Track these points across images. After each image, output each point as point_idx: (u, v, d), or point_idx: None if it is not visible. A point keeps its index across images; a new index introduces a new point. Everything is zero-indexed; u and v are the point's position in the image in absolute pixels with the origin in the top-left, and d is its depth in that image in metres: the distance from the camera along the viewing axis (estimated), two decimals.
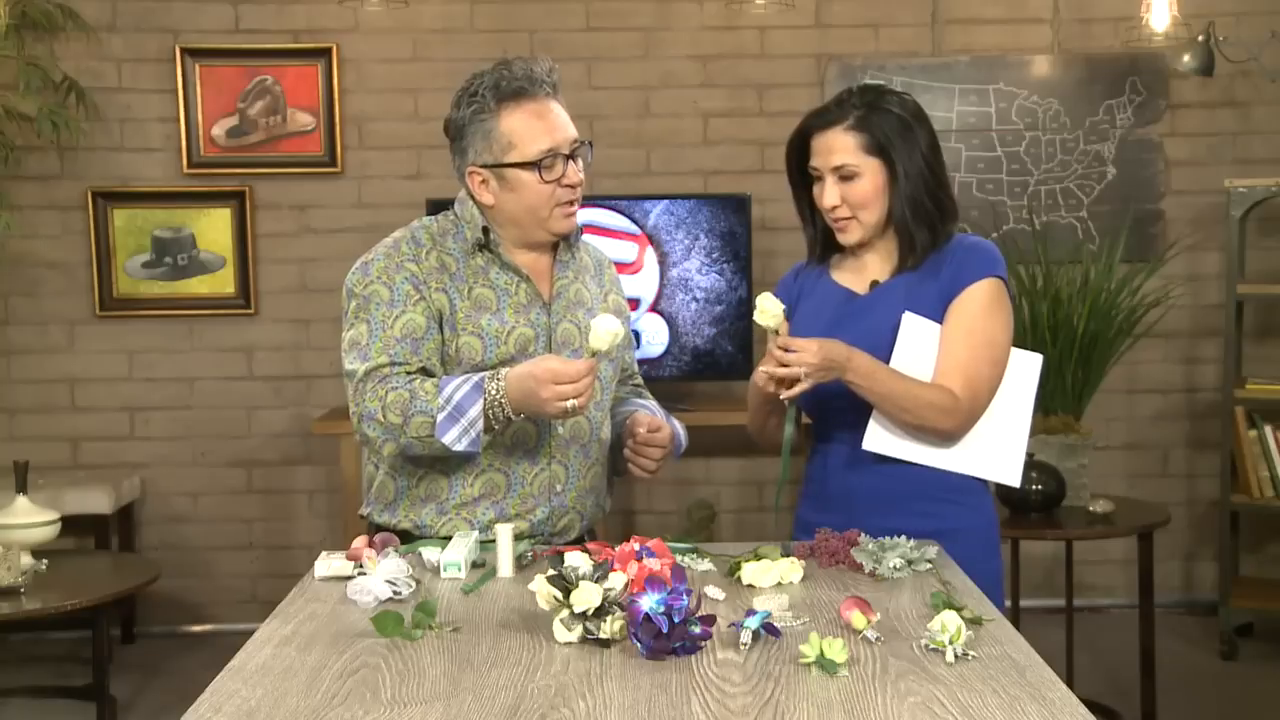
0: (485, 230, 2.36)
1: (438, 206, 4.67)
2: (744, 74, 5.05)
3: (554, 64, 2.35)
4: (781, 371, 2.18)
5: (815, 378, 2.18)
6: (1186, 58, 4.65)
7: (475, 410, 2.19)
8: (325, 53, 4.97)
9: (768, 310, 2.20)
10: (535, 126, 2.30)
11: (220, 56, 4.95)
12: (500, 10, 5.00)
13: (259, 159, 4.99)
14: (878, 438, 2.31)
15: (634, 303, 4.77)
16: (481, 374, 2.23)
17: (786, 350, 2.18)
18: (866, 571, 2.10)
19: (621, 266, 4.65)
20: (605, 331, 2.16)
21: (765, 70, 5.05)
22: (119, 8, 4.94)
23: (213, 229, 5.00)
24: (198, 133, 4.96)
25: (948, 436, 2.30)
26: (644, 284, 4.80)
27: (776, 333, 2.20)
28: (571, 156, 2.33)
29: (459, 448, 2.20)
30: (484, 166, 2.33)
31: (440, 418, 2.20)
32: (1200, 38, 4.62)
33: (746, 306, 4.79)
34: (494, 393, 2.20)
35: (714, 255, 4.80)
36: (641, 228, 4.79)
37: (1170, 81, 5.04)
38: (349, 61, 4.99)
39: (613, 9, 5.03)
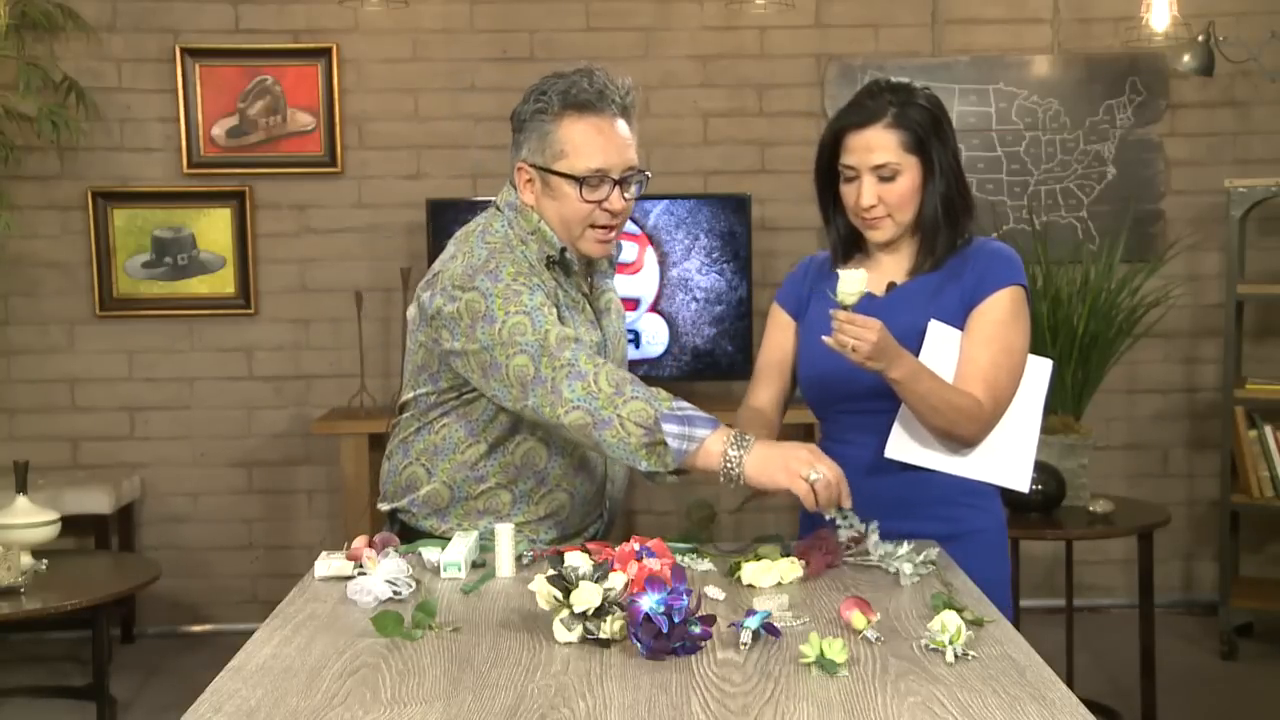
0: (564, 250, 2.29)
1: (438, 206, 4.73)
2: (744, 74, 5.05)
3: (634, 86, 2.28)
4: (841, 342, 2.11)
5: (857, 359, 2.13)
6: (1186, 58, 4.65)
7: (702, 433, 2.05)
8: (325, 53, 4.97)
9: (853, 289, 2.13)
10: (592, 142, 2.23)
11: (220, 56, 4.95)
12: (500, 10, 5.00)
13: (259, 159, 4.99)
14: (900, 446, 2.31)
15: (634, 303, 4.77)
16: (718, 420, 2.10)
17: (851, 323, 2.10)
18: (843, 540, 2.12)
19: (621, 266, 4.66)
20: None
21: (765, 70, 5.05)
22: (119, 8, 4.94)
23: (213, 229, 5.00)
24: (198, 133, 4.96)
25: (968, 442, 2.30)
26: (644, 284, 4.80)
27: (844, 306, 2.13)
28: (622, 182, 2.27)
29: (674, 444, 2.03)
30: (533, 166, 2.28)
31: (667, 412, 2.06)
32: (1200, 38, 4.62)
33: (746, 306, 4.79)
34: (735, 452, 2.04)
35: (714, 255, 4.80)
36: (641, 228, 4.79)
37: (1170, 81, 5.04)
38: (349, 61, 4.99)
39: (613, 9, 5.03)
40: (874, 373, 2.17)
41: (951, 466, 2.32)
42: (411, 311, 2.36)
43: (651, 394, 2.10)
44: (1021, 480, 2.34)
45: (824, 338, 2.14)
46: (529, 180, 2.30)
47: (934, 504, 2.33)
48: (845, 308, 2.14)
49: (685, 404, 2.11)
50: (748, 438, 2.07)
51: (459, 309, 2.20)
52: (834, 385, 2.32)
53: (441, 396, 2.33)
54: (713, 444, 2.05)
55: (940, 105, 2.35)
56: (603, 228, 2.29)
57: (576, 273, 2.34)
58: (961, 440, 2.30)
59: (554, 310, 2.21)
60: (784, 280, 2.55)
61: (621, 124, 2.27)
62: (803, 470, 2.04)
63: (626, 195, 2.29)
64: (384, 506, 2.46)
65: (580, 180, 2.24)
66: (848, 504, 2.09)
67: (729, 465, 2.05)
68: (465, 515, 2.36)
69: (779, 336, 2.48)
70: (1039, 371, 2.39)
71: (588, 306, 2.37)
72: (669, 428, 2.04)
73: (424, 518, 2.39)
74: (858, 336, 2.11)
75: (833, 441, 2.44)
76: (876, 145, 2.29)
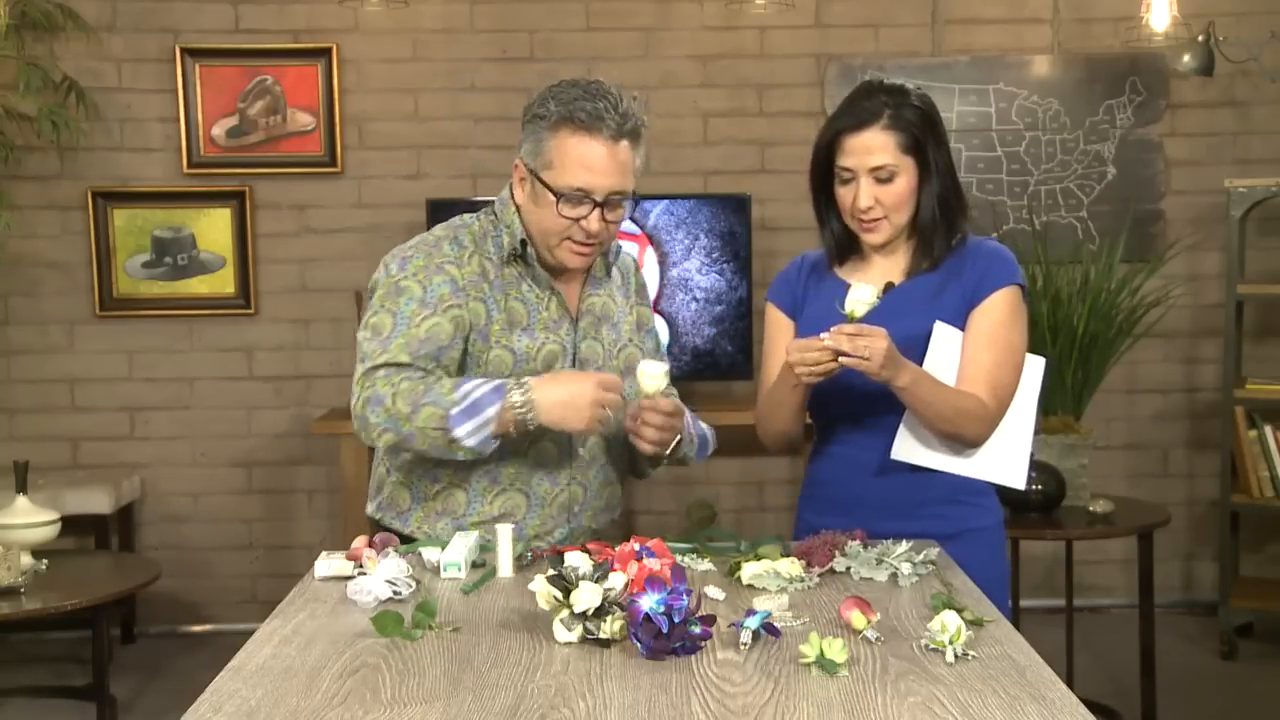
0: (523, 243, 2.31)
1: (438, 206, 4.72)
2: (744, 74, 5.05)
3: (638, 111, 2.25)
4: (850, 362, 2.13)
5: (872, 368, 2.13)
6: (1186, 58, 4.65)
7: (492, 410, 2.13)
8: (325, 53, 4.97)
9: (865, 299, 2.15)
10: (578, 160, 2.22)
11: (220, 56, 4.95)
12: (500, 10, 5.00)
13: (259, 159, 4.99)
14: (906, 447, 2.32)
15: None
16: (503, 380, 2.18)
17: (859, 334, 2.12)
18: (854, 577, 2.09)
19: None
20: (653, 376, 2.20)
21: (765, 70, 5.05)
22: (119, 8, 4.94)
23: (213, 229, 5.00)
24: (198, 133, 4.96)
25: (973, 443, 2.32)
26: None
27: (851, 319, 2.16)
28: (606, 204, 2.25)
29: (470, 442, 2.14)
30: (526, 166, 2.29)
31: (454, 411, 2.13)
32: (1200, 38, 4.62)
33: (746, 306, 4.79)
34: (518, 401, 2.13)
35: (714, 255, 4.80)
36: (641, 228, 4.79)
37: (1170, 81, 5.04)
38: (349, 61, 4.99)
39: (613, 9, 5.03)
40: (882, 383, 2.18)
41: (951, 466, 2.33)
42: None
43: (438, 393, 2.16)
44: (1018, 478, 2.36)
45: (840, 359, 2.14)
46: (522, 179, 2.31)
47: (934, 503, 2.34)
48: (852, 320, 2.15)
49: (470, 384, 2.17)
50: (524, 382, 2.16)
51: (370, 288, 2.35)
52: (833, 389, 2.32)
53: None
54: (503, 411, 2.14)
55: (933, 105, 2.36)
56: (579, 243, 2.28)
57: (534, 268, 2.33)
58: (967, 441, 2.31)
59: (438, 318, 2.24)
60: (775, 279, 2.53)
61: (623, 146, 2.24)
62: (594, 412, 2.14)
63: (608, 217, 2.27)
64: (371, 513, 2.48)
65: (559, 195, 2.24)
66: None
67: (519, 416, 2.15)
68: (425, 518, 2.36)
69: (782, 339, 2.47)
70: (1032, 369, 2.41)
71: (554, 305, 2.34)
72: (459, 431, 2.14)
73: (389, 520, 2.40)
74: (869, 345, 2.12)
75: (832, 444, 2.43)
76: (875, 147, 2.29)
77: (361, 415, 2.24)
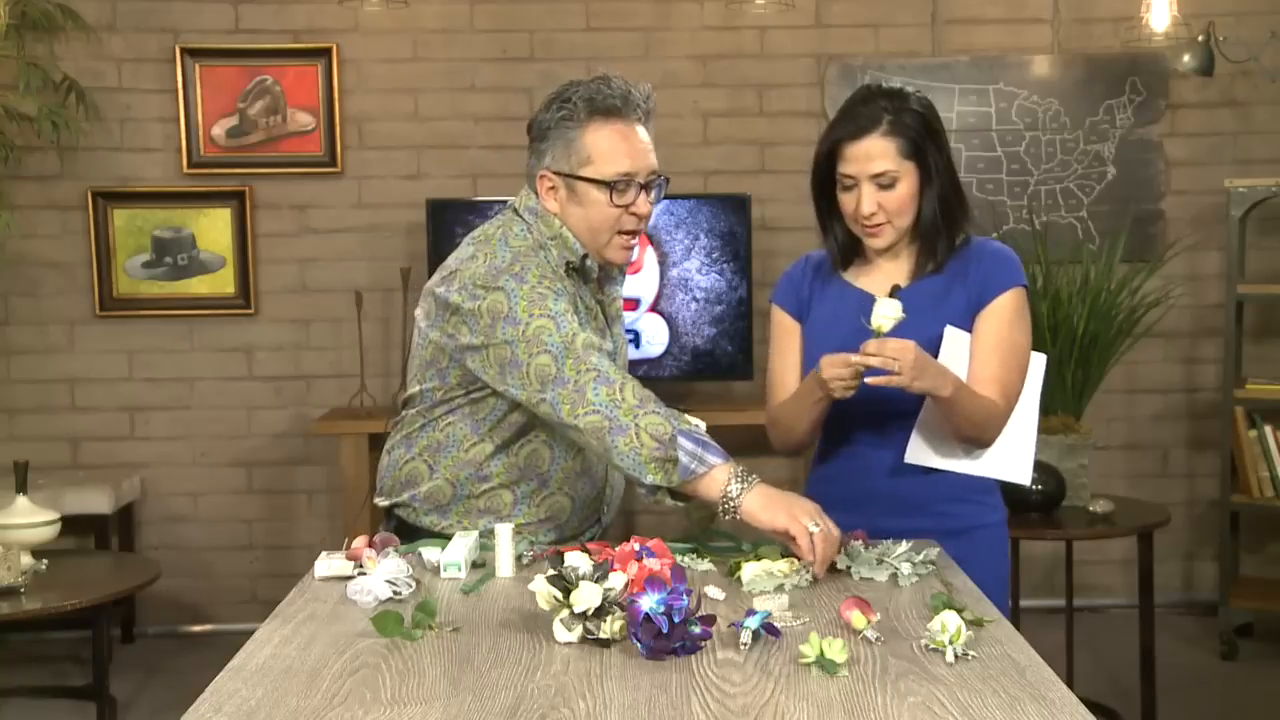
0: (585, 257, 2.30)
1: (438, 206, 4.73)
2: (744, 74, 5.05)
3: (652, 90, 2.30)
4: (879, 380, 2.14)
5: (903, 381, 2.14)
6: (1186, 58, 4.66)
7: (712, 459, 2.08)
8: (325, 53, 4.97)
9: (890, 314, 2.17)
10: (619, 147, 2.24)
11: (220, 56, 4.95)
12: (500, 10, 5.00)
13: (259, 159, 5.00)
14: (920, 450, 2.34)
15: (634, 303, 4.77)
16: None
17: (881, 350, 2.13)
18: (854, 577, 2.09)
19: None
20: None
21: (765, 70, 5.05)
22: (119, 8, 4.94)
23: (213, 229, 5.00)
24: (198, 133, 4.96)
25: (988, 444, 2.35)
26: (644, 284, 4.80)
27: (877, 332, 2.18)
28: (646, 187, 2.28)
29: (684, 460, 2.07)
30: (557, 174, 2.28)
31: (683, 429, 2.09)
32: (1200, 38, 4.62)
33: (747, 306, 4.79)
34: (736, 486, 2.07)
35: (714, 255, 4.80)
36: None
37: (1170, 81, 5.04)
38: (349, 61, 4.99)
39: (613, 9, 5.03)
40: (922, 394, 2.20)
41: (963, 466, 2.36)
42: (421, 308, 2.35)
43: (672, 413, 2.12)
44: (1023, 474, 2.39)
45: (868, 379, 2.16)
46: (552, 188, 2.30)
47: (940, 501, 2.36)
48: (880, 335, 2.17)
49: (704, 433, 2.14)
50: (753, 476, 2.09)
51: (480, 307, 2.21)
52: None
53: (449, 393, 2.33)
54: (719, 474, 2.08)
55: (932, 108, 2.36)
56: (628, 233, 2.29)
57: (593, 280, 2.35)
58: (984, 443, 2.35)
59: (576, 317, 2.22)
60: (780, 281, 2.53)
61: (643, 129, 2.28)
62: (803, 519, 2.05)
63: (650, 200, 2.30)
64: (382, 502, 2.45)
65: (610, 185, 2.24)
66: (817, 571, 2.06)
67: (727, 499, 2.07)
68: (466, 513, 2.36)
69: (790, 342, 2.47)
70: (1036, 367, 2.43)
71: (600, 314, 2.37)
72: (685, 443, 2.08)
73: (424, 514, 2.39)
74: (895, 355, 2.13)
75: (842, 443, 2.44)
76: (875, 154, 2.30)
77: (579, 388, 2.12)
